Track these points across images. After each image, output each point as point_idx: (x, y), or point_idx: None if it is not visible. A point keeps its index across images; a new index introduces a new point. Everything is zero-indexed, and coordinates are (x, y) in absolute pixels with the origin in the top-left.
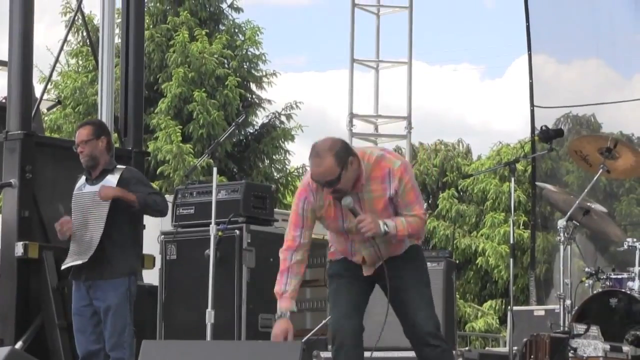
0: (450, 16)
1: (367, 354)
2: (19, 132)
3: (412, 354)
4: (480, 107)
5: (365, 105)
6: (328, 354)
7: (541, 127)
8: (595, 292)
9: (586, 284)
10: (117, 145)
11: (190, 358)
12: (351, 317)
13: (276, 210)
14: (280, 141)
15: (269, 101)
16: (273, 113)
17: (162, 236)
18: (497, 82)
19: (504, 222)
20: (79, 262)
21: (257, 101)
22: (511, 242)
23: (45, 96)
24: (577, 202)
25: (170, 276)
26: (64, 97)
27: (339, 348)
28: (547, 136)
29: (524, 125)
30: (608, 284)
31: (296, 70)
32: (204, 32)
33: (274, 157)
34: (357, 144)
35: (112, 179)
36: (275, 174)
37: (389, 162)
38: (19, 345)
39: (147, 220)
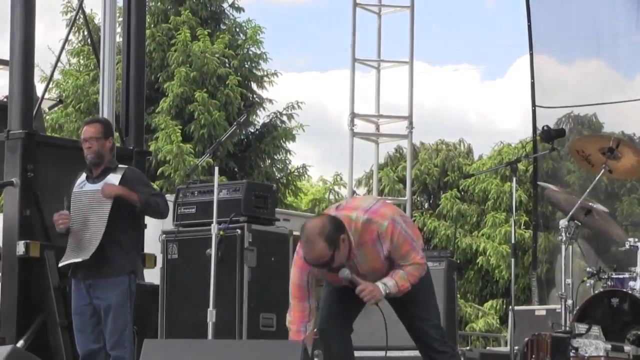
0: (452, 16)
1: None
2: (21, 131)
3: (413, 353)
4: (482, 107)
5: (367, 104)
6: None
7: (543, 127)
8: (596, 292)
9: (587, 284)
10: (118, 144)
11: (192, 357)
12: (338, 319)
13: (277, 209)
14: (281, 141)
15: (270, 101)
16: (274, 113)
17: (164, 235)
18: (498, 82)
19: (505, 222)
20: (79, 259)
21: (259, 100)
22: (512, 241)
23: (47, 95)
24: (579, 202)
25: (171, 275)
26: (65, 96)
27: (326, 350)
28: (549, 136)
29: (525, 125)
30: (609, 283)
31: (297, 69)
32: (206, 32)
33: (275, 156)
34: (358, 144)
35: (114, 178)
36: (276, 173)
37: (376, 226)
38: (20, 344)
39: (148, 219)
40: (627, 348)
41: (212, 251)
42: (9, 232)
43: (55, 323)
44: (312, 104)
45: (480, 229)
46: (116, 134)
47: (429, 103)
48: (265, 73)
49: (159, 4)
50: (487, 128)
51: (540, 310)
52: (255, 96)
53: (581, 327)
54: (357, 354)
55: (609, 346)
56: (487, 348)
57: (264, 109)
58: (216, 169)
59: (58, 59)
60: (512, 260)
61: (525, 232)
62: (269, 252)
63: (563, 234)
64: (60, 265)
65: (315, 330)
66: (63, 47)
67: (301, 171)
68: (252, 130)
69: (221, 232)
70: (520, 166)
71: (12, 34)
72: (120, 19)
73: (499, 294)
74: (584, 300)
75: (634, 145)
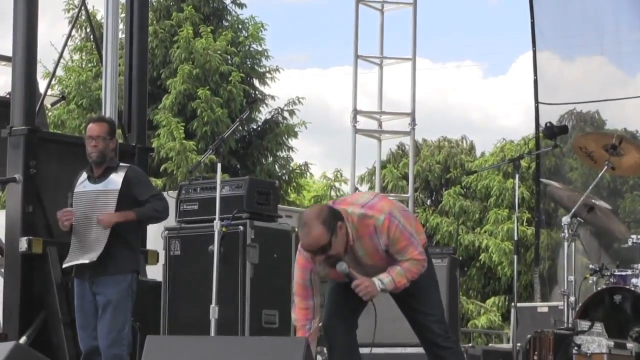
0: (454, 13)
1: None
2: (23, 127)
3: (415, 350)
4: (484, 104)
5: (369, 101)
6: None
7: (546, 124)
8: (599, 288)
9: (590, 281)
10: (120, 141)
11: (194, 354)
12: (342, 315)
13: (280, 206)
14: (283, 137)
15: (272, 97)
16: (275, 109)
17: (166, 232)
18: (500, 79)
19: (508, 219)
20: (86, 261)
21: (261, 97)
22: (515, 238)
23: (49, 92)
24: (582, 199)
25: (174, 272)
26: (67, 92)
27: (331, 347)
28: (552, 133)
29: (527, 122)
30: (612, 280)
31: (299, 66)
32: (209, 29)
33: (277, 153)
34: (360, 141)
35: (116, 178)
36: (278, 170)
37: (373, 220)
38: (22, 340)
39: None
40: (630, 345)
41: (215, 248)
42: (11, 229)
43: (57, 319)
44: (314, 100)
45: (482, 226)
46: (119, 131)
47: (431, 100)
48: (268, 69)
49: (162, 0)
50: (489, 125)
51: (542, 307)
52: (257, 92)
53: (584, 324)
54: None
55: (611, 343)
56: (490, 345)
57: (266, 105)
58: (219, 165)
59: (61, 56)
60: (515, 257)
61: (527, 228)
62: (271, 248)
63: (565, 230)
64: (65, 266)
65: (320, 325)
66: (65, 44)
67: (303, 169)
68: (254, 127)
69: (223, 229)
70: (523, 163)
71: (15, 31)
72: (123, 15)
73: (501, 291)
74: (587, 297)
75: (636, 142)
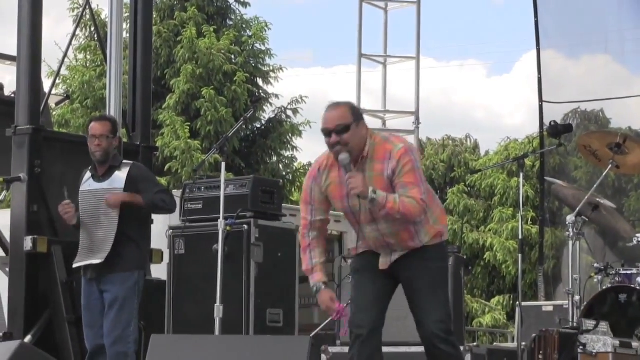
0: (458, 12)
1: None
2: (28, 126)
3: (420, 349)
4: (488, 103)
5: (373, 100)
6: (336, 349)
7: (550, 123)
8: (604, 287)
9: (595, 280)
10: (125, 140)
11: (199, 352)
12: (368, 311)
13: (284, 205)
14: (288, 137)
15: (276, 96)
16: (279, 108)
17: (171, 231)
18: (504, 77)
19: (512, 218)
20: (94, 261)
21: (265, 96)
22: (520, 237)
23: (54, 91)
24: (586, 197)
25: (178, 271)
26: (71, 92)
27: (354, 340)
28: (556, 131)
29: (531, 120)
30: (617, 279)
31: (303, 65)
32: (212, 29)
33: (281, 153)
34: None
35: (120, 175)
36: (282, 170)
37: (391, 144)
38: (27, 339)
39: (156, 215)
40: (635, 344)
41: (219, 247)
42: (16, 228)
43: (62, 318)
44: (318, 99)
45: (487, 225)
46: (123, 130)
47: (435, 98)
48: (271, 68)
49: (166, 0)
50: (493, 123)
51: (547, 306)
52: (261, 92)
53: (589, 323)
54: None
55: (617, 342)
56: (494, 344)
57: (270, 104)
58: (223, 164)
59: (65, 55)
60: (519, 255)
61: (532, 227)
62: (275, 247)
63: (570, 229)
64: (75, 266)
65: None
66: (70, 43)
67: (307, 168)
68: (258, 126)
69: (228, 228)
70: (527, 162)
71: (20, 30)
72: (127, 14)
73: (506, 290)
74: (592, 296)
75: None
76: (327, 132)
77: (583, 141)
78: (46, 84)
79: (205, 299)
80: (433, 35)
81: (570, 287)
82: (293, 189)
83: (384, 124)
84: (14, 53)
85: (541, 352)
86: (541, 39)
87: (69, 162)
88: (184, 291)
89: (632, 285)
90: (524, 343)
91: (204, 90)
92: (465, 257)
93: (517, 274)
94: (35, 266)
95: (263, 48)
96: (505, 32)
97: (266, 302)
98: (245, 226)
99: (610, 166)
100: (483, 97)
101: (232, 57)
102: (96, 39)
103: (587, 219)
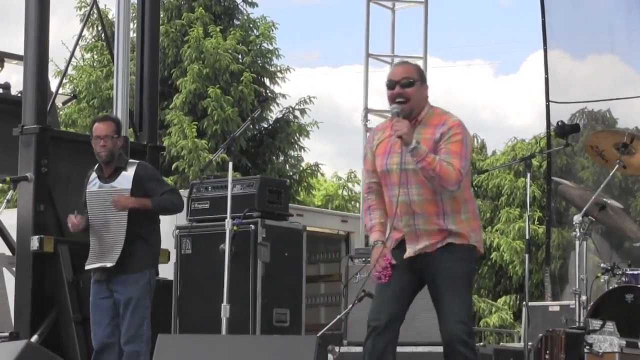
0: (465, 12)
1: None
2: (35, 126)
3: (426, 349)
4: (495, 103)
5: (380, 100)
6: (344, 349)
7: (557, 123)
8: (610, 287)
9: (602, 280)
10: (132, 139)
11: (206, 352)
12: (388, 305)
13: (291, 205)
14: (295, 137)
15: (284, 96)
16: (287, 108)
17: (177, 230)
18: (511, 77)
19: (519, 218)
20: (106, 264)
21: (272, 96)
22: (527, 237)
23: (60, 90)
24: (593, 197)
25: (185, 271)
26: (78, 91)
27: (370, 333)
28: (564, 131)
29: (538, 120)
30: (624, 279)
31: (310, 65)
32: (218, 29)
33: (288, 152)
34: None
35: (127, 175)
36: (288, 170)
37: (448, 115)
38: (34, 338)
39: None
40: None
41: (226, 246)
42: (23, 227)
43: (68, 318)
44: (325, 99)
45: (494, 225)
46: (130, 130)
47: (442, 98)
48: (279, 68)
49: (173, 0)
50: (500, 124)
51: (554, 306)
52: (268, 91)
53: (595, 323)
54: None
55: (623, 342)
56: (501, 344)
57: (277, 104)
58: (230, 164)
59: (72, 54)
60: (526, 255)
61: (539, 227)
62: (282, 247)
63: (577, 229)
64: (87, 268)
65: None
66: (77, 43)
67: (314, 169)
68: (265, 126)
69: (235, 228)
70: (534, 162)
71: (27, 30)
72: (135, 14)
73: (512, 290)
74: (598, 296)
75: None
76: (391, 85)
77: (590, 141)
78: (53, 83)
79: (211, 298)
80: (440, 35)
81: (577, 287)
82: (300, 189)
83: None
84: (21, 52)
85: (548, 352)
86: (548, 39)
87: (75, 162)
88: (190, 291)
89: (639, 286)
90: (530, 343)
91: (210, 89)
92: None
93: (524, 274)
94: (41, 266)
95: (271, 47)
96: (512, 32)
97: (273, 302)
98: (252, 226)
99: (617, 166)
100: (490, 97)
101: (239, 56)
102: (103, 38)
103: (593, 219)
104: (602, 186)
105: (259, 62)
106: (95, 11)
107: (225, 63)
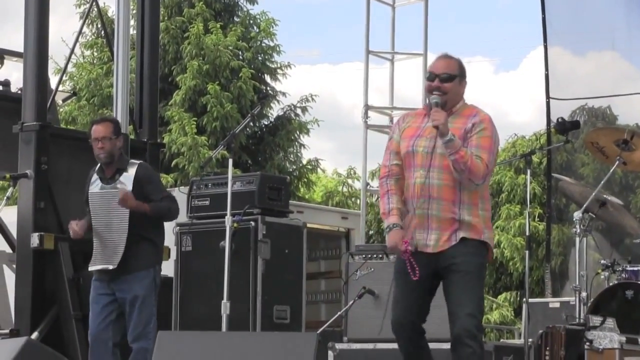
0: (465, 8)
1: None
2: (35, 123)
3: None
4: (495, 100)
5: (381, 97)
6: (343, 346)
7: (557, 119)
8: (611, 284)
9: (602, 276)
10: (132, 137)
11: (206, 349)
12: (408, 305)
13: (291, 202)
14: (295, 134)
15: (284, 93)
16: (288, 106)
17: (178, 227)
18: (511, 74)
19: (519, 214)
20: (109, 266)
21: (272, 93)
22: (527, 234)
23: (60, 88)
24: (593, 194)
25: (185, 267)
26: (78, 89)
27: (395, 335)
28: (564, 128)
29: (538, 117)
30: (624, 276)
31: (310, 62)
32: (218, 25)
33: (288, 150)
34: (372, 137)
35: (128, 176)
36: (288, 166)
37: (480, 110)
38: (34, 336)
39: None
40: None
41: (226, 243)
42: (23, 224)
43: (69, 315)
44: (325, 96)
45: (494, 221)
46: (130, 127)
47: None
48: (279, 65)
49: None
50: (500, 120)
51: (554, 302)
52: (268, 88)
53: (595, 320)
54: (370, 346)
55: (623, 338)
56: (501, 340)
57: (277, 102)
58: (230, 161)
59: (72, 52)
60: (527, 252)
61: (539, 224)
62: (282, 244)
63: (577, 226)
64: (90, 269)
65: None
66: (77, 40)
67: (314, 164)
68: (266, 123)
69: (235, 224)
70: (535, 158)
71: (26, 27)
72: (134, 11)
73: (513, 286)
74: (598, 292)
75: None
76: (431, 77)
77: (590, 138)
78: (53, 80)
79: (212, 295)
80: (440, 32)
81: (577, 283)
82: (300, 184)
83: (392, 120)
84: (21, 49)
85: (548, 348)
86: (548, 36)
87: (75, 159)
88: (191, 288)
89: (639, 282)
90: (530, 339)
91: (209, 86)
92: None
93: (524, 271)
94: (41, 263)
95: (271, 44)
96: (513, 29)
97: (273, 299)
98: (252, 223)
99: (617, 163)
100: (490, 93)
101: (239, 53)
102: (103, 35)
103: (594, 216)
104: (602, 183)
105: (260, 58)
106: (95, 8)
107: (225, 60)
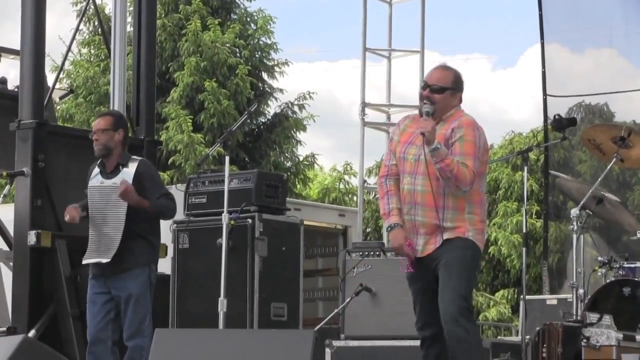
0: (463, 5)
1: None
2: (32, 121)
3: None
4: (492, 97)
5: (378, 94)
6: (341, 343)
7: (554, 116)
8: (608, 281)
9: (599, 273)
10: (129, 134)
11: (203, 347)
12: (430, 326)
13: (288, 199)
14: (292, 131)
15: (281, 90)
16: (286, 103)
17: (175, 225)
18: (509, 71)
19: (517, 212)
20: (103, 260)
21: (269, 90)
22: (524, 231)
23: (58, 85)
24: (590, 191)
25: (182, 265)
26: (75, 86)
27: (421, 344)
28: (561, 125)
29: (535, 114)
30: (621, 273)
31: (308, 59)
32: (216, 22)
33: (285, 146)
34: (369, 134)
35: (128, 172)
36: (284, 163)
37: (463, 115)
38: (31, 333)
39: None
40: (639, 337)
41: (223, 241)
42: (20, 222)
43: (66, 313)
44: (322, 93)
45: (491, 219)
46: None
47: None
48: (276, 63)
49: None
50: (498, 117)
51: (551, 299)
52: (265, 86)
53: (592, 317)
54: (367, 343)
55: (620, 335)
56: (499, 337)
57: (275, 99)
58: (227, 158)
59: (69, 49)
60: (524, 249)
61: (536, 221)
62: (280, 241)
63: (574, 223)
64: (84, 262)
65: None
66: (74, 37)
67: (311, 160)
68: (263, 121)
69: (232, 222)
70: (532, 155)
71: (23, 24)
72: (131, 9)
73: (510, 284)
74: (596, 289)
75: None
76: (424, 85)
77: (587, 135)
78: (50, 78)
79: (209, 293)
80: (438, 29)
81: (574, 280)
82: (296, 181)
83: (389, 117)
84: (18, 47)
85: (545, 345)
86: (545, 33)
87: (72, 157)
88: (188, 285)
89: (636, 279)
90: (528, 336)
91: (206, 83)
92: None
93: (522, 268)
94: (39, 260)
95: (269, 42)
96: (510, 26)
97: (270, 296)
98: (250, 220)
99: (614, 160)
100: (487, 91)
101: (237, 50)
102: (100, 33)
103: (591, 213)
104: (599, 180)
105: (257, 56)
106: (92, 6)
107: (223, 57)
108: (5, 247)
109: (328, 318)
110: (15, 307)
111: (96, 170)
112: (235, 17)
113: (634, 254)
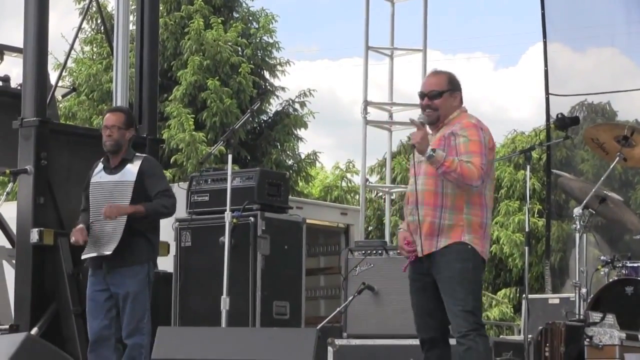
0: (465, 4)
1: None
2: (34, 119)
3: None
4: (495, 96)
5: (380, 92)
6: (343, 342)
7: (557, 115)
8: (610, 280)
9: (602, 273)
10: None
11: (205, 345)
12: (428, 317)
13: (291, 197)
14: (292, 128)
15: (283, 89)
16: (286, 101)
17: (177, 223)
18: (511, 70)
19: (519, 211)
20: (105, 253)
21: (271, 89)
22: (526, 230)
23: (60, 83)
24: (593, 190)
25: (185, 263)
26: (78, 84)
27: (421, 346)
28: (563, 124)
29: (538, 113)
30: (624, 272)
31: (310, 58)
32: (219, 20)
33: (286, 144)
34: (371, 132)
35: (132, 169)
36: (286, 161)
37: (465, 117)
38: (34, 331)
39: None
40: None
41: (226, 239)
42: (22, 220)
43: (68, 310)
44: (325, 92)
45: (493, 217)
46: None
47: None
48: (278, 61)
49: None
50: (500, 116)
51: (554, 299)
52: (267, 84)
53: (595, 316)
54: (369, 342)
55: (623, 335)
56: (501, 337)
57: (277, 97)
58: (229, 156)
59: (72, 47)
60: (526, 248)
61: (538, 220)
62: (282, 240)
63: (577, 222)
64: (83, 257)
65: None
66: (76, 36)
67: (312, 158)
68: (265, 119)
69: (234, 220)
70: (534, 154)
71: (26, 22)
72: (134, 7)
73: (512, 283)
74: (598, 288)
75: None
76: (421, 95)
77: (590, 134)
78: (53, 76)
79: (211, 291)
80: (440, 28)
81: (577, 279)
82: (299, 179)
83: (391, 116)
84: (21, 45)
85: (547, 344)
86: (548, 32)
87: (75, 154)
88: (190, 283)
89: (639, 278)
90: (530, 336)
91: (209, 81)
92: None
93: (524, 267)
94: (41, 258)
95: (271, 41)
96: (512, 25)
97: (272, 295)
98: (252, 218)
99: (617, 159)
100: (490, 90)
101: (239, 49)
102: (102, 31)
103: (593, 212)
104: (602, 179)
105: (259, 54)
106: (95, 4)
107: (225, 55)
108: (8, 245)
109: (330, 316)
110: (18, 305)
111: (100, 166)
112: (238, 15)
113: (637, 253)
